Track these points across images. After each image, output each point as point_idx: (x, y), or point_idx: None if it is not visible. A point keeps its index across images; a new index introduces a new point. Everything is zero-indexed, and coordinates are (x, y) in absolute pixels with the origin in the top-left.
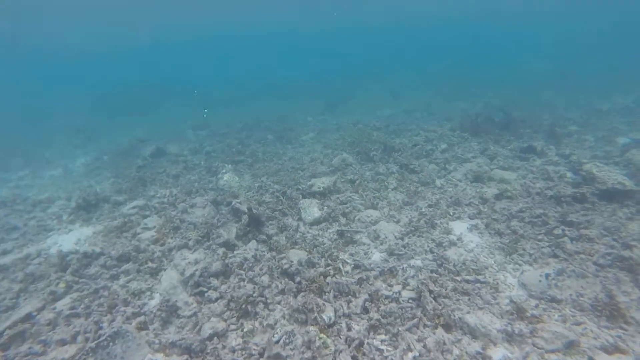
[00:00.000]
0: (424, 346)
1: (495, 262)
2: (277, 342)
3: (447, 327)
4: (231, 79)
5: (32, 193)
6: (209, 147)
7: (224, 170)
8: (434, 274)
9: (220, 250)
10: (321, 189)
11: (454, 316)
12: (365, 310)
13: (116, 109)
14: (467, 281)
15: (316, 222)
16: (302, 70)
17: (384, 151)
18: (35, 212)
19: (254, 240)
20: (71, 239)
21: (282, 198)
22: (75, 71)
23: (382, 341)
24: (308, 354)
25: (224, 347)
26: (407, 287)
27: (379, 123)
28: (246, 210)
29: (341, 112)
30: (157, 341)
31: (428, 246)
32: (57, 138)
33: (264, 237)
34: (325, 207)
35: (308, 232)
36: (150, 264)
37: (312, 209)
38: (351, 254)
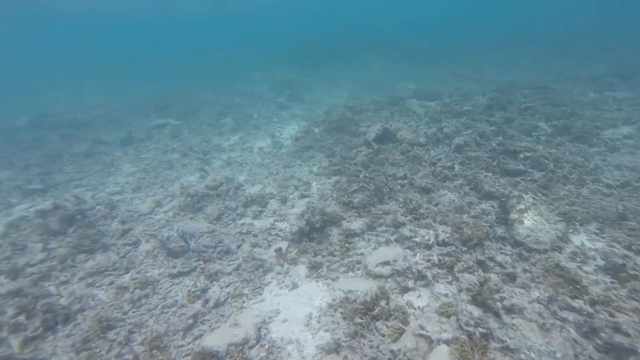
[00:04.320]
0: None
1: None
2: None
3: None
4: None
5: (243, 176)
6: (458, 138)
7: (520, 206)
8: None
9: None
10: None
11: None
12: None
13: (317, 59)
14: None
15: None
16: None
17: None
18: (246, 219)
19: None
20: (297, 311)
21: None
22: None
23: None
24: None
25: None
26: None
27: None
28: None
29: None
30: None
31: None
32: (263, 93)
33: None
34: None
35: None
36: None
37: None
38: None
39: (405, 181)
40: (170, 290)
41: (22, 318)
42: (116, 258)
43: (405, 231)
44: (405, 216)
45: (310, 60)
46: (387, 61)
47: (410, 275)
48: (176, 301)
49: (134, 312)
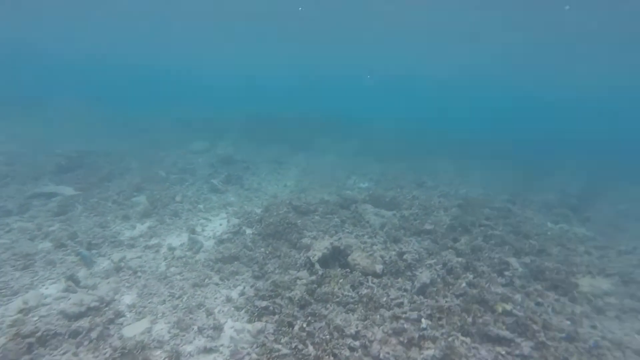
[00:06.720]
0: None
1: None
2: None
3: None
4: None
5: (130, 298)
6: (422, 273)
7: None
8: None
9: None
10: None
11: None
12: None
13: (267, 136)
14: None
15: None
16: None
17: None
18: None
19: None
20: None
21: None
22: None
23: None
24: None
25: None
26: None
27: None
28: None
29: None
30: None
31: None
32: (198, 169)
33: None
34: None
35: None
36: None
37: None
38: None
39: (357, 343)
40: None
41: None
42: None
43: None
44: None
45: (259, 136)
46: (344, 151)
47: None
48: None
49: None
